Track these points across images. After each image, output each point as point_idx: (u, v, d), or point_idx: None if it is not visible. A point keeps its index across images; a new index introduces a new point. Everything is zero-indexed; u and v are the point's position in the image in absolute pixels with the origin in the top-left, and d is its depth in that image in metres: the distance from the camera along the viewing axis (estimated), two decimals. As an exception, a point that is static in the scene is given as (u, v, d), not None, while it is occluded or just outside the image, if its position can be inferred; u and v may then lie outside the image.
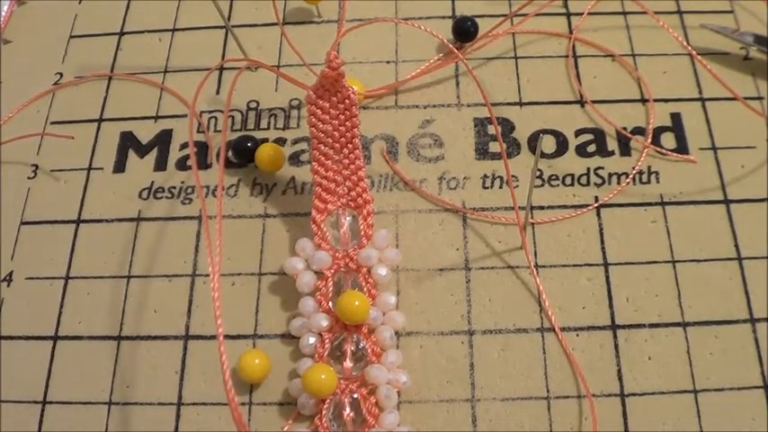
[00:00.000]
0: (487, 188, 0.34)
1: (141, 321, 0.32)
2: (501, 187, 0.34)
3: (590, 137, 0.35)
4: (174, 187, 0.35)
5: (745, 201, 0.34)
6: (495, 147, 0.35)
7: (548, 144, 0.35)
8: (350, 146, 0.32)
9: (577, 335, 0.31)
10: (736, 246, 0.32)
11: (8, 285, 0.33)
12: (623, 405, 0.29)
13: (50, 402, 0.31)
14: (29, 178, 0.36)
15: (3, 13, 0.41)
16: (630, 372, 0.30)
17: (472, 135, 0.35)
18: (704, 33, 0.38)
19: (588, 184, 0.34)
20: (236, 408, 0.24)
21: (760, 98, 0.36)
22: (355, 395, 0.29)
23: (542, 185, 0.34)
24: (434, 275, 0.32)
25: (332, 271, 0.31)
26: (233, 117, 0.37)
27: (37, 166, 0.36)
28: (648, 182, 0.34)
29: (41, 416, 0.31)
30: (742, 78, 0.37)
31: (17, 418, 0.30)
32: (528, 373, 0.30)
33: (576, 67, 0.37)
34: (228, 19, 0.39)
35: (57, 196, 0.35)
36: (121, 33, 0.40)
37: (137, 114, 0.37)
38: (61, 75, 0.39)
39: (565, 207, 0.34)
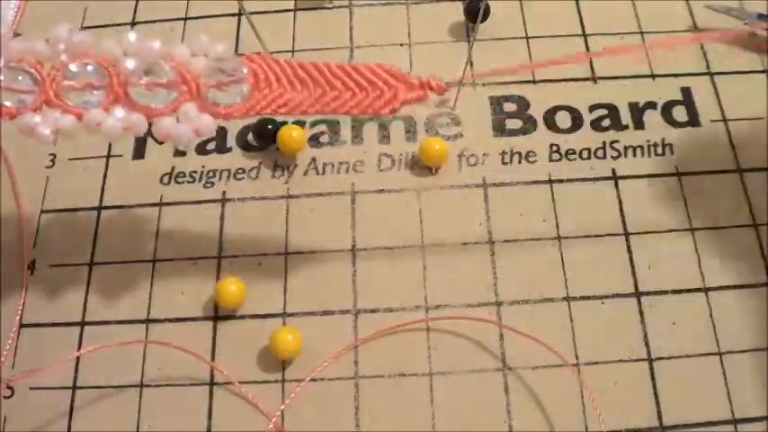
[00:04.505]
0: (506, 164, 0.35)
1: (169, 304, 0.32)
2: (520, 162, 0.35)
3: (604, 112, 0.36)
4: (196, 171, 0.35)
5: (757, 170, 0.34)
6: (511, 124, 0.36)
7: (563, 120, 0.36)
8: None
9: (602, 303, 0.31)
10: (752, 213, 0.33)
11: (32, 273, 0.33)
12: (651, 369, 0.30)
13: (81, 387, 0.31)
14: (47, 167, 0.36)
15: (10, 11, 0.41)
16: (657, 337, 0.31)
17: (489, 113, 0.36)
18: (709, 10, 0.39)
19: (605, 157, 0.35)
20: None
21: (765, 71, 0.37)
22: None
23: (560, 160, 0.35)
24: (459, 250, 0.33)
25: None
26: (250, 102, 0.37)
27: (54, 156, 0.36)
28: (663, 154, 0.35)
29: (72, 401, 0.30)
30: (747, 53, 0.38)
31: (47, 404, 0.30)
32: (556, 342, 0.30)
33: (587, 45, 0.38)
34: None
35: (77, 184, 0.35)
36: (133, 23, 0.40)
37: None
38: (74, 65, 0.39)
39: (583, 180, 0.34)
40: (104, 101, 0.26)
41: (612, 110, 0.36)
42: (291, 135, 0.34)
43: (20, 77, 0.26)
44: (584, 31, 0.38)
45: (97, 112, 0.26)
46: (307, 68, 0.28)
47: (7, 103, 0.26)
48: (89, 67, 0.26)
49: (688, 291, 0.32)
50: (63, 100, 0.26)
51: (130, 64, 0.26)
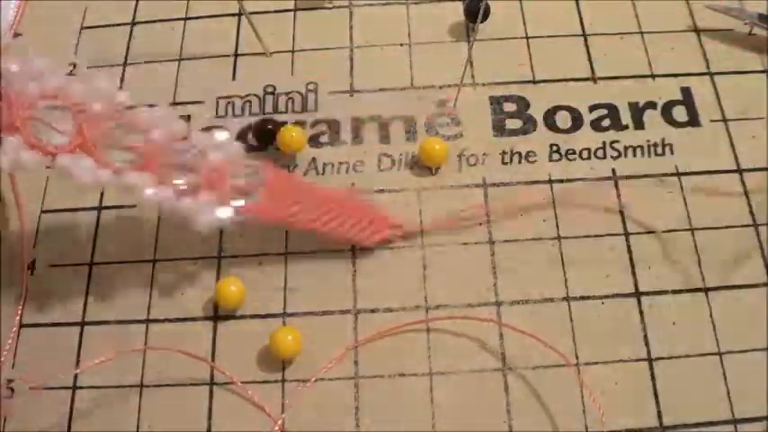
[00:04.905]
0: (506, 164, 0.35)
1: (169, 304, 0.32)
2: (520, 162, 0.35)
3: (604, 112, 0.36)
4: (196, 172, 0.35)
5: (757, 169, 0.34)
6: (511, 124, 0.36)
7: (563, 120, 0.36)
8: None
9: (602, 303, 0.31)
10: (752, 212, 0.33)
11: (32, 273, 0.33)
12: (651, 369, 0.30)
13: (81, 387, 0.31)
14: (47, 167, 0.36)
15: (10, 11, 0.41)
16: (656, 337, 0.31)
17: (489, 113, 0.36)
18: (709, 10, 0.38)
19: (605, 157, 0.35)
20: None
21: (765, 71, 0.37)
22: None
23: (560, 160, 0.35)
24: (460, 250, 0.33)
25: None
26: (250, 102, 0.37)
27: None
28: (663, 154, 0.35)
29: (72, 401, 0.30)
30: (747, 53, 0.38)
31: (47, 403, 0.30)
32: (556, 342, 0.30)
33: (587, 45, 0.38)
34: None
35: (77, 184, 0.35)
36: (133, 23, 0.40)
37: (153, 102, 0.37)
38: (75, 65, 0.39)
39: (583, 180, 0.34)
40: (137, 165, 0.27)
41: (612, 110, 0.36)
42: (291, 135, 0.34)
43: (56, 113, 0.26)
44: (584, 31, 0.38)
45: (134, 175, 0.27)
46: (316, 194, 0.32)
47: (44, 139, 0.26)
48: (129, 134, 0.28)
49: (688, 291, 0.32)
50: (99, 150, 0.27)
51: (159, 136, 0.27)
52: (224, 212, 0.28)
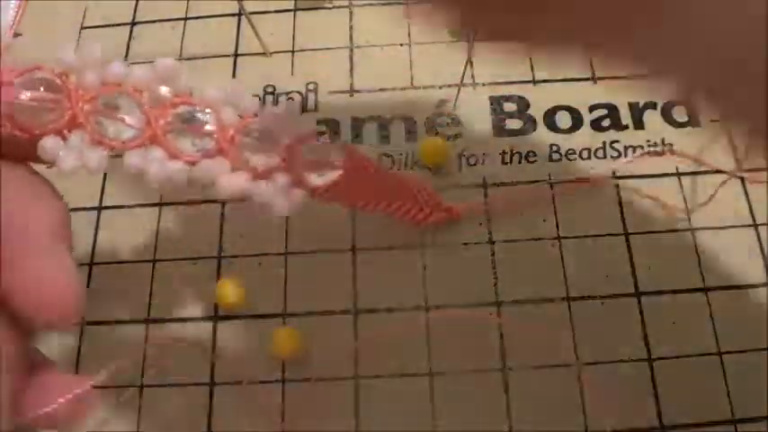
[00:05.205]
0: (506, 164, 0.35)
1: (169, 304, 0.32)
2: (520, 163, 0.35)
3: (604, 112, 0.36)
4: (196, 172, 0.35)
5: (757, 170, 0.34)
6: (511, 124, 0.36)
7: (563, 120, 0.36)
8: None
9: (602, 303, 0.31)
10: (752, 213, 0.33)
11: (32, 274, 0.33)
12: (651, 369, 0.30)
13: (81, 387, 0.31)
14: (47, 167, 0.36)
15: (10, 11, 0.41)
16: (657, 337, 0.31)
17: (489, 113, 0.36)
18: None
19: (605, 157, 0.35)
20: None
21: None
22: None
23: (560, 160, 0.35)
24: (460, 250, 0.33)
25: None
26: (250, 102, 0.37)
27: (55, 156, 0.36)
28: (663, 154, 0.35)
29: (72, 401, 0.30)
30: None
31: (47, 404, 0.30)
32: (556, 342, 0.30)
33: (587, 45, 0.38)
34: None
35: (77, 184, 0.35)
36: (133, 23, 0.40)
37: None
38: (74, 65, 0.39)
39: (583, 180, 0.34)
40: (210, 151, 0.24)
41: (612, 110, 0.36)
42: (292, 135, 0.34)
43: (122, 104, 0.24)
44: (584, 31, 0.38)
45: (209, 162, 0.24)
46: (383, 175, 0.30)
47: (111, 133, 0.23)
48: (198, 114, 0.24)
49: (688, 291, 0.32)
50: (169, 140, 0.24)
51: (230, 115, 0.24)
52: (299, 195, 0.25)
